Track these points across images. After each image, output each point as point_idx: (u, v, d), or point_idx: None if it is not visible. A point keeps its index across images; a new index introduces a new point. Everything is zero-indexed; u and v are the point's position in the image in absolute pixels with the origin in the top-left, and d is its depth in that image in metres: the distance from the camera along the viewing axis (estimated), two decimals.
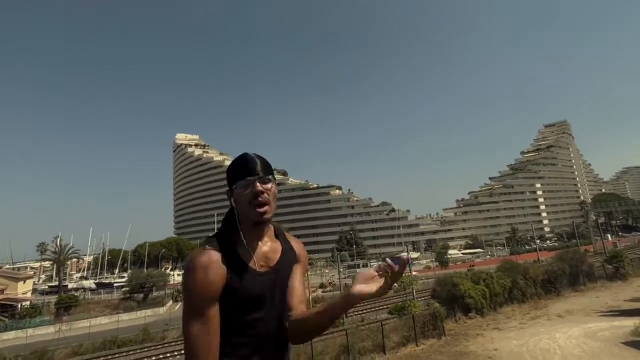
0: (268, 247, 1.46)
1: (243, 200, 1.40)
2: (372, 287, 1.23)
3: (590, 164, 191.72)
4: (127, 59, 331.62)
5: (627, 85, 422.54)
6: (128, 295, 49.20)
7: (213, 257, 1.30)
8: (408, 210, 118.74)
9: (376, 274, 1.26)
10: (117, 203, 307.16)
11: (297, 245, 1.62)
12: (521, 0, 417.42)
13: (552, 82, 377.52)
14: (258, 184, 1.39)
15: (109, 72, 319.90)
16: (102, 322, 38.41)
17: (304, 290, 1.54)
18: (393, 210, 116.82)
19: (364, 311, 29.22)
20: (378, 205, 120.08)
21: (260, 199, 1.39)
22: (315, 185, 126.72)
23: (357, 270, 64.70)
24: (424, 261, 77.99)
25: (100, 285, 64.87)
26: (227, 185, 1.48)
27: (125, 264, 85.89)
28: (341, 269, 39.56)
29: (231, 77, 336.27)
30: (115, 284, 61.41)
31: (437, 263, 63.80)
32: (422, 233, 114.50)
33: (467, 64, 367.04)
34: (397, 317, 20.61)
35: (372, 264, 74.54)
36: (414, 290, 28.35)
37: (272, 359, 1.40)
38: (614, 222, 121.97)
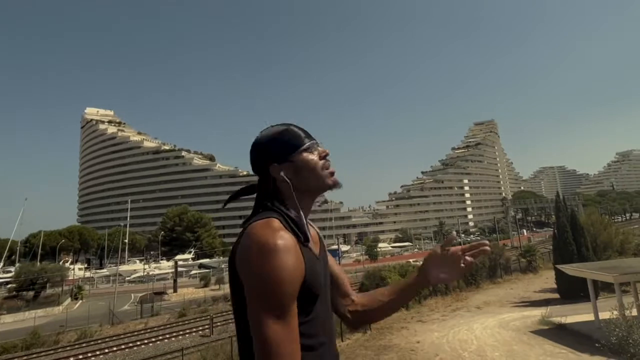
0: (312, 228, 1.35)
1: (313, 166, 1.25)
2: (451, 274, 1.31)
3: (512, 163, 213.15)
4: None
5: (546, 93, 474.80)
6: (15, 292, 44.16)
7: (291, 238, 1.08)
8: (341, 202, 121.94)
9: (450, 255, 1.30)
10: (7, 183, 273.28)
11: (316, 230, 1.44)
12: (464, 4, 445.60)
13: (486, 80, 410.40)
14: (322, 148, 1.30)
15: None
16: None
17: (344, 274, 1.49)
18: (326, 201, 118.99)
19: None
20: None
21: (328, 162, 1.30)
22: (245, 173, 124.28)
23: None
24: (354, 254, 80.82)
25: None
26: (269, 158, 1.25)
27: (13, 256, 76.83)
28: None
29: (155, 48, 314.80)
30: None
31: (367, 256, 66.43)
32: (354, 226, 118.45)
33: (406, 57, 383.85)
34: None
35: None
36: None
37: (335, 350, 1.28)
38: (530, 218, 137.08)
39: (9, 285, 47.24)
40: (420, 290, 1.41)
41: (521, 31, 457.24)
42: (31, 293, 44.27)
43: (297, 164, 1.24)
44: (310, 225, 1.35)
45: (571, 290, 21.28)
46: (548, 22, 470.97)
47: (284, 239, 1.05)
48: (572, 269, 17.05)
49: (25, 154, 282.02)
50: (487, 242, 1.29)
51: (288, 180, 1.22)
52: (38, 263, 57.86)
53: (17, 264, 63.26)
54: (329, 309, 1.27)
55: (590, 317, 15.50)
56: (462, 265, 1.29)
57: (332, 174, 1.29)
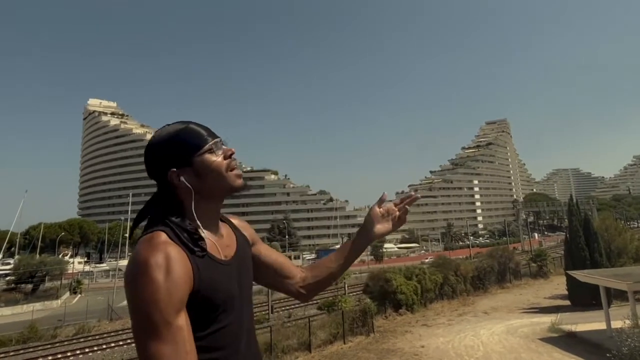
0: (224, 232, 1.27)
1: (217, 168, 1.19)
2: (390, 226, 1.52)
3: (524, 164, 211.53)
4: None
5: (562, 90, 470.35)
6: (13, 285, 44.69)
7: (172, 250, 1.03)
8: (347, 201, 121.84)
9: (386, 212, 1.53)
10: (7, 176, 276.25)
11: (241, 224, 1.43)
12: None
13: (499, 79, 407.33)
14: (227, 147, 1.24)
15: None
16: None
17: (288, 259, 1.52)
18: (331, 199, 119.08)
19: (292, 307, 29.43)
20: (315, 194, 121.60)
21: (234, 162, 1.24)
22: (248, 168, 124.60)
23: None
24: None
25: None
26: (166, 162, 1.18)
27: (13, 248, 77.71)
28: None
29: (160, 39, 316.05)
30: None
31: (372, 257, 66.37)
32: (360, 225, 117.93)
33: (414, 55, 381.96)
34: (326, 313, 20.97)
35: (304, 256, 75.66)
36: (346, 285, 29.10)
37: (255, 353, 1.28)
38: (542, 221, 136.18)
39: (8, 278, 47.82)
40: (365, 247, 1.52)
41: (537, 29, 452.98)
42: (30, 286, 44.82)
43: (199, 167, 1.17)
44: (226, 224, 1.32)
45: (583, 298, 21.08)
46: (564, 21, 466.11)
47: (165, 253, 1.01)
48: (584, 275, 16.90)
49: (26, 145, 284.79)
50: (417, 194, 1.57)
51: (189, 186, 1.16)
52: (37, 256, 58.51)
53: (17, 256, 64.00)
54: (245, 314, 1.22)
55: (602, 325, 15.34)
56: (398, 217, 1.51)
57: (239, 176, 1.24)
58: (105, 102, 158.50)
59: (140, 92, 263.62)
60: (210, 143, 1.19)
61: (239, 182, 1.24)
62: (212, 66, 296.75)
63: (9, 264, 60.25)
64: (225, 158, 1.21)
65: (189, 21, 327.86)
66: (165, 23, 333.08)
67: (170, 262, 1.01)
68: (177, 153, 1.17)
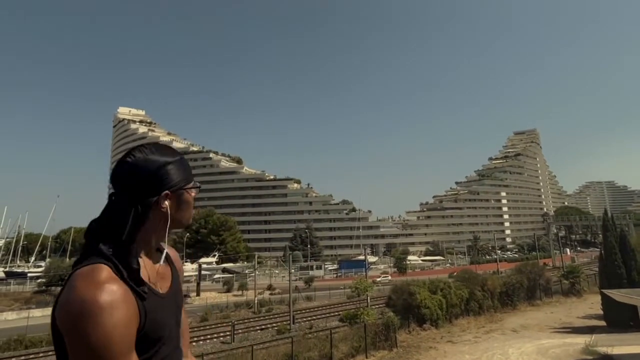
0: (161, 264, 1.28)
1: (190, 204, 1.31)
2: None
3: (555, 176, 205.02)
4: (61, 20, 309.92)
5: (595, 101, 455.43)
6: (44, 287, 46.29)
7: (119, 290, 0.99)
8: (370, 211, 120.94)
9: None
10: (41, 181, 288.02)
11: (176, 258, 1.44)
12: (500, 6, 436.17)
13: (527, 88, 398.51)
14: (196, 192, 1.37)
15: (34, 33, 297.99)
16: (9, 318, 35.84)
17: (188, 326, 1.47)
18: (354, 209, 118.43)
19: (313, 318, 29.28)
20: (338, 204, 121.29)
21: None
22: (272, 177, 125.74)
23: (310, 272, 65.15)
24: (382, 266, 79.81)
25: (10, 275, 60.42)
26: (165, 182, 1.21)
27: (45, 252, 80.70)
28: (292, 271, 39.42)
29: (187, 52, 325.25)
30: (29, 274, 57.53)
31: (396, 269, 65.43)
32: (383, 236, 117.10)
33: (441, 64, 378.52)
34: (348, 326, 20.74)
35: (327, 266, 75.31)
36: (369, 298, 28.74)
37: None
38: (574, 236, 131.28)
39: (39, 280, 49.52)
40: None
41: (567, 34, 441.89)
42: (59, 288, 46.28)
43: (184, 199, 1.27)
44: (168, 255, 1.32)
45: (619, 318, 20.14)
46: (600, 23, 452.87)
47: (109, 292, 0.96)
48: (620, 295, 16.17)
49: (58, 151, 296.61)
50: None
51: (169, 213, 1.20)
52: (67, 259, 60.52)
53: (48, 259, 66.41)
54: (177, 344, 1.26)
55: None
56: None
57: (189, 223, 1.35)
58: (134, 111, 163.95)
59: (168, 101, 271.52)
60: (197, 184, 1.34)
61: (188, 222, 1.34)
62: (239, 78, 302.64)
63: (40, 266, 62.65)
64: (192, 206, 1.34)
65: (214, 35, 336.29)
66: (192, 36, 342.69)
67: (118, 302, 0.96)
68: (178, 178, 1.24)
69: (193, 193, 1.31)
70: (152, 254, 1.23)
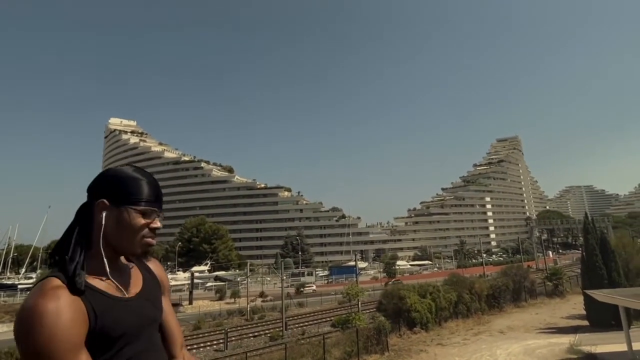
0: (127, 271, 1.30)
1: (132, 227, 1.20)
2: None
3: (536, 181, 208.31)
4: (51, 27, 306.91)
5: (573, 110, 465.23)
6: None
7: (64, 296, 1.05)
8: (359, 218, 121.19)
9: None
10: (32, 192, 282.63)
11: (158, 269, 1.45)
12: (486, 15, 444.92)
13: (509, 97, 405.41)
14: (158, 220, 1.27)
15: (23, 44, 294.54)
16: (0, 331, 34.79)
17: (180, 330, 1.46)
18: (343, 216, 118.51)
19: (306, 324, 29.10)
20: (328, 211, 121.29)
21: (154, 234, 1.26)
22: (262, 186, 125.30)
23: (302, 279, 64.81)
24: (372, 271, 79.80)
25: (0, 287, 58.95)
26: (104, 190, 1.22)
27: (35, 263, 78.93)
28: (284, 277, 39.19)
29: (178, 63, 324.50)
30: (19, 286, 56.14)
31: (385, 274, 65.44)
32: (372, 242, 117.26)
33: (426, 73, 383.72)
34: (340, 331, 20.67)
35: (317, 272, 75.01)
36: (360, 303, 28.70)
37: None
38: (556, 239, 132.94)
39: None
40: None
41: (548, 46, 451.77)
42: None
43: (122, 216, 1.20)
44: (135, 266, 1.34)
45: (601, 318, 20.42)
46: (578, 36, 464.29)
47: (55, 298, 1.02)
48: (602, 295, 16.39)
49: (48, 163, 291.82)
50: None
51: (102, 225, 1.19)
52: None
53: (39, 271, 64.96)
54: (152, 347, 1.26)
55: (622, 347, 14.81)
56: None
57: (148, 245, 1.25)
58: (125, 121, 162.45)
59: (159, 111, 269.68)
60: (146, 207, 1.22)
61: (140, 250, 1.24)
62: (230, 88, 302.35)
63: (31, 277, 61.26)
64: (147, 227, 1.23)
65: (204, 46, 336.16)
66: (183, 47, 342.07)
67: (61, 306, 1.02)
68: (118, 191, 1.21)
69: (140, 218, 1.21)
70: (111, 264, 1.21)
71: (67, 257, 1.14)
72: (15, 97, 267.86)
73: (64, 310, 1.02)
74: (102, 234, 1.18)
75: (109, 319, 1.12)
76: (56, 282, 1.08)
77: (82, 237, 1.18)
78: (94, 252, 1.19)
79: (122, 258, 1.30)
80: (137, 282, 1.30)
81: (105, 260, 1.18)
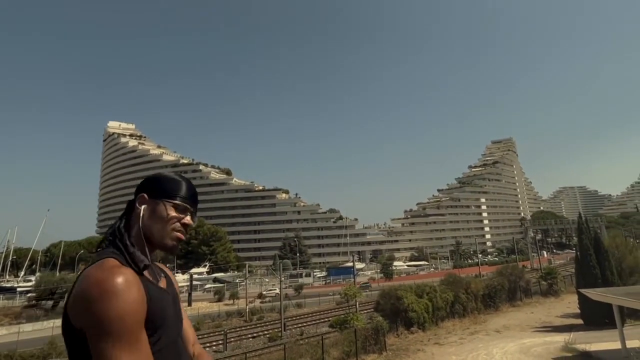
0: (156, 267, 1.41)
1: (165, 218, 1.31)
2: None
3: (531, 182, 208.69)
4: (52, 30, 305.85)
5: (566, 112, 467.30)
6: (34, 302, 44.85)
7: (129, 273, 1.11)
8: (356, 219, 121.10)
9: None
10: (30, 194, 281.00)
11: (168, 272, 1.53)
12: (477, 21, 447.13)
13: (504, 99, 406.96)
14: (190, 218, 1.36)
15: (23, 47, 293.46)
16: None
17: (192, 327, 1.55)
18: (341, 218, 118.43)
19: (304, 324, 29.07)
20: (325, 212, 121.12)
21: (185, 231, 1.35)
22: (260, 188, 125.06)
23: (300, 280, 64.72)
24: (369, 272, 79.77)
25: None
26: (146, 187, 1.36)
27: (34, 266, 78.45)
28: (282, 279, 39.12)
29: (176, 67, 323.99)
30: (18, 289, 55.74)
31: (382, 275, 65.46)
32: (369, 243, 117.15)
33: (423, 77, 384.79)
34: (338, 331, 20.65)
35: (315, 273, 74.93)
36: (358, 303, 28.70)
37: None
38: (550, 239, 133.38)
39: (29, 294, 48.04)
40: None
41: (542, 48, 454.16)
42: (50, 302, 44.89)
43: (157, 208, 1.30)
44: (160, 267, 1.44)
45: (595, 316, 20.51)
46: (571, 38, 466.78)
47: (122, 273, 1.09)
48: (596, 294, 16.47)
49: (48, 166, 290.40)
50: None
51: (141, 217, 1.29)
52: (57, 273, 58.89)
53: (38, 273, 64.50)
54: (180, 342, 1.33)
55: (616, 345, 14.88)
56: None
57: (174, 239, 1.32)
58: (124, 125, 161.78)
59: (157, 114, 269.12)
60: (180, 202, 1.33)
61: (170, 243, 1.31)
62: (227, 91, 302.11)
63: (30, 280, 60.80)
64: (179, 221, 1.33)
65: (202, 50, 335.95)
66: (180, 51, 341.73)
67: (131, 281, 1.09)
68: (156, 187, 1.34)
69: (173, 211, 1.31)
70: (150, 256, 1.30)
71: (126, 241, 1.22)
72: (15, 100, 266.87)
73: (132, 287, 1.08)
74: (140, 224, 1.28)
75: (158, 305, 1.18)
76: (115, 262, 1.14)
77: (127, 229, 1.28)
78: (134, 241, 1.26)
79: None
80: (163, 280, 1.38)
81: (147, 249, 1.26)
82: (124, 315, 1.03)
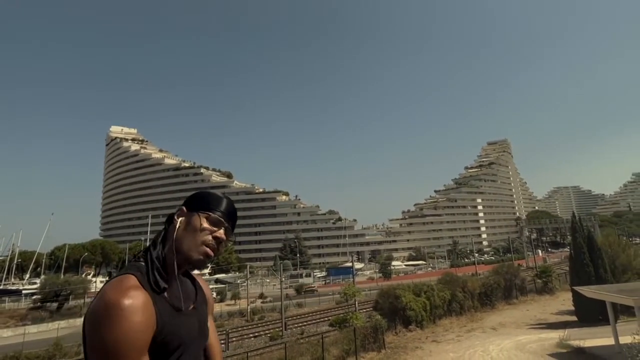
0: (187, 284, 1.37)
1: (199, 231, 1.26)
2: None
3: (526, 182, 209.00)
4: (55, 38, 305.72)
5: (559, 114, 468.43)
6: (39, 304, 44.71)
7: (140, 296, 1.08)
8: (355, 220, 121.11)
9: None
10: (35, 199, 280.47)
11: (205, 287, 1.50)
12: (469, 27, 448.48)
13: (499, 102, 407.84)
14: (224, 233, 1.31)
15: (27, 56, 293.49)
16: (5, 335, 34.50)
17: (220, 347, 1.52)
18: (340, 219, 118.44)
19: (304, 323, 29.06)
20: (325, 214, 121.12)
21: (217, 245, 1.30)
22: (261, 190, 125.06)
23: (300, 280, 64.66)
24: (368, 272, 79.72)
25: (5, 293, 58.28)
26: (186, 202, 1.35)
27: (39, 268, 78.25)
28: (283, 279, 39.12)
29: (175, 71, 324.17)
30: (24, 291, 55.60)
31: (381, 274, 65.44)
32: (368, 243, 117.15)
33: (421, 82, 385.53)
34: (338, 330, 20.67)
35: (315, 273, 74.88)
36: (357, 302, 28.70)
37: None
38: (545, 238, 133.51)
39: (34, 297, 47.92)
40: None
41: (535, 49, 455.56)
42: (55, 304, 44.78)
43: (192, 220, 1.28)
44: (193, 278, 1.42)
45: (589, 313, 20.56)
46: (564, 40, 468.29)
47: (131, 297, 1.06)
48: (590, 291, 16.52)
49: (52, 171, 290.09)
50: None
51: (176, 229, 1.27)
52: (62, 275, 58.73)
53: (43, 276, 64.33)
54: (198, 358, 1.30)
55: (609, 341, 14.93)
56: None
57: (206, 255, 1.27)
58: (126, 129, 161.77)
59: (159, 119, 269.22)
60: (215, 216, 1.30)
61: (196, 257, 1.26)
62: (228, 96, 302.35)
63: (35, 283, 60.65)
64: (211, 234, 1.28)
65: (203, 55, 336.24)
66: (181, 56, 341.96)
67: (137, 306, 1.05)
68: (196, 200, 1.33)
69: (207, 223, 1.28)
70: (180, 272, 1.29)
71: (154, 256, 1.22)
72: (18, 106, 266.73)
73: (139, 312, 1.05)
74: (174, 237, 1.26)
75: (171, 329, 1.14)
76: (133, 280, 1.11)
77: (163, 241, 1.28)
78: (166, 254, 1.25)
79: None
80: (192, 296, 1.34)
81: (175, 266, 1.23)
82: (121, 341, 1.00)
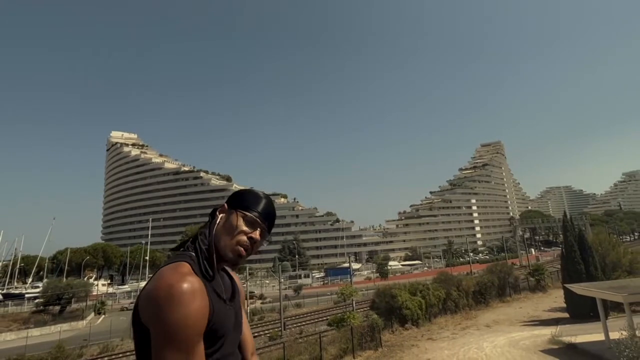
0: (225, 276, 1.38)
1: (235, 230, 1.28)
2: None
3: (519, 183, 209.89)
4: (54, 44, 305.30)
5: (551, 115, 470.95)
6: (42, 307, 44.47)
7: (197, 282, 1.10)
8: (352, 221, 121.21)
9: None
10: (36, 204, 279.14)
11: (237, 278, 1.50)
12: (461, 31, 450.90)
13: (492, 104, 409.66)
14: (260, 233, 1.32)
15: (28, 60, 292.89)
16: (8, 339, 34.35)
17: (252, 337, 1.53)
18: (337, 220, 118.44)
19: (303, 323, 29.05)
20: (323, 215, 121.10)
21: (251, 246, 1.30)
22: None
23: (299, 281, 64.62)
24: (365, 272, 79.75)
25: (8, 297, 57.95)
26: (229, 199, 1.38)
27: (41, 272, 77.84)
28: (282, 280, 39.09)
29: (174, 75, 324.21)
30: (26, 295, 55.29)
31: (378, 274, 65.48)
32: (365, 244, 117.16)
33: (416, 86, 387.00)
34: (335, 329, 20.68)
35: (314, 274, 74.85)
36: (354, 302, 28.73)
37: None
38: (538, 237, 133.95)
39: (37, 300, 47.68)
40: None
41: (526, 53, 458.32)
42: (57, 308, 44.59)
43: (231, 218, 1.29)
44: (229, 273, 1.43)
45: (580, 310, 20.66)
46: (555, 43, 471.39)
47: (190, 282, 1.08)
48: (581, 288, 16.63)
49: (53, 176, 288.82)
50: None
51: (215, 225, 1.30)
52: (64, 279, 58.49)
53: (45, 280, 64.05)
54: (237, 353, 1.32)
55: (600, 337, 15.01)
56: None
57: (239, 254, 1.28)
58: (126, 134, 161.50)
59: (159, 124, 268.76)
60: (253, 216, 1.30)
61: (230, 255, 1.28)
62: (226, 100, 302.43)
63: (37, 287, 60.32)
64: (246, 235, 1.29)
65: (201, 60, 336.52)
66: (180, 60, 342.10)
67: (197, 291, 1.08)
68: (237, 199, 1.36)
69: (243, 223, 1.29)
70: (219, 266, 1.30)
71: (203, 247, 1.23)
72: (19, 112, 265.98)
73: (198, 297, 1.07)
74: (214, 232, 1.29)
75: (219, 317, 1.16)
76: (188, 267, 1.13)
77: (207, 235, 1.29)
78: (208, 249, 1.26)
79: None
80: (229, 290, 1.35)
81: (215, 259, 1.24)
82: (185, 324, 1.03)
